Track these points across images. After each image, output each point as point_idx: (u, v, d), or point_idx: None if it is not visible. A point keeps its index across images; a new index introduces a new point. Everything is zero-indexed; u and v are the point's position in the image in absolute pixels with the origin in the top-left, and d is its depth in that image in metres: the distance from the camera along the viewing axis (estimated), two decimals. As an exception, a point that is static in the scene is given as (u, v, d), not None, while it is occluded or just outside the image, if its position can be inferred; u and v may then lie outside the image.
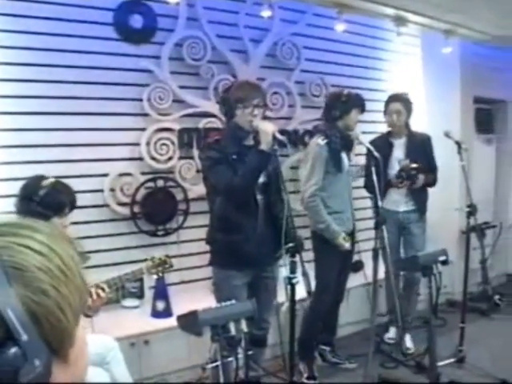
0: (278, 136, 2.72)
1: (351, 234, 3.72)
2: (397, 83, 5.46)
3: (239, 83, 3.05)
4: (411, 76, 5.67)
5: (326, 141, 3.58)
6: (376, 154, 3.30)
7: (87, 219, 3.67)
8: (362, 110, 3.69)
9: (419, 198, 4.27)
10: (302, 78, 4.75)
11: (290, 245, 2.60)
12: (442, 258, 3.48)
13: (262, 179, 2.90)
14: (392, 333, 4.41)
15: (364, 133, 3.76)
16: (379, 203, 3.29)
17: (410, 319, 4.31)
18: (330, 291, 3.58)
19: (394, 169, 4.16)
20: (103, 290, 2.51)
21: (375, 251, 3.30)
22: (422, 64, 5.72)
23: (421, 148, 4.24)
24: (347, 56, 5.06)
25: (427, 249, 4.06)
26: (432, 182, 4.28)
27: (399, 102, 4.17)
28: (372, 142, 3.66)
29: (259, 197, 2.92)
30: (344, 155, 3.69)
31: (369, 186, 3.97)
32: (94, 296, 2.47)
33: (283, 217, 2.64)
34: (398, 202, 4.26)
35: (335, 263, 3.62)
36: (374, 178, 3.22)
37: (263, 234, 2.92)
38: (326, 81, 4.83)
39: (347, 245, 3.56)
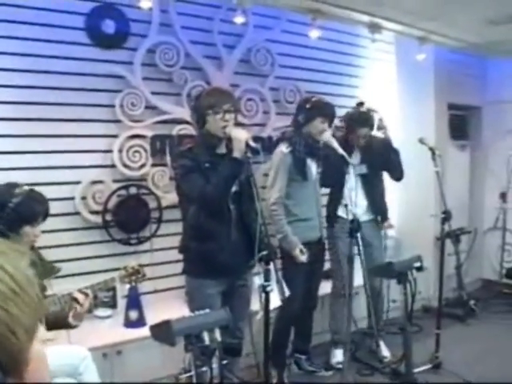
0: (251, 143, 2.74)
1: (319, 242, 3.78)
2: (371, 90, 5.54)
3: (209, 90, 3.07)
4: (385, 82, 5.76)
5: (289, 149, 3.62)
6: (349, 159, 3.36)
7: (58, 227, 3.66)
8: (330, 119, 3.68)
9: (379, 206, 4.22)
10: (276, 84, 4.80)
11: (264, 253, 2.62)
12: (417, 265, 3.54)
13: (234, 188, 2.92)
14: (339, 355, 4.06)
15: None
16: (351, 208, 3.34)
17: (381, 326, 4.31)
18: (297, 298, 3.58)
19: (351, 178, 3.96)
20: (86, 295, 2.52)
21: (350, 258, 3.34)
22: (397, 70, 5.82)
23: (378, 150, 4.10)
24: (322, 62, 5.13)
25: (402, 255, 4.12)
26: (399, 174, 4.20)
27: (368, 128, 4.03)
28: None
29: (232, 205, 2.95)
30: (311, 163, 3.72)
31: (330, 185, 4.03)
32: (82, 302, 2.47)
33: (256, 225, 2.67)
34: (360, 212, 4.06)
35: (301, 270, 3.63)
36: (347, 185, 3.28)
37: (236, 243, 2.95)
38: (301, 87, 4.89)
39: (303, 258, 3.57)
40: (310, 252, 3.64)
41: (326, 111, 3.67)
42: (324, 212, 4.04)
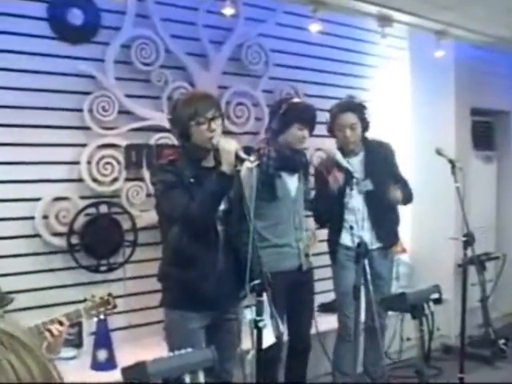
0: (242, 155, 2.78)
1: (299, 271, 3.72)
2: (381, 92, 5.60)
3: (185, 98, 3.07)
4: (398, 84, 5.83)
5: (256, 162, 3.61)
6: (356, 175, 3.40)
7: (13, 252, 3.67)
8: (309, 125, 3.68)
9: (388, 231, 4.14)
10: (270, 86, 4.86)
11: (256, 282, 2.64)
12: (434, 296, 3.55)
13: (222, 206, 2.96)
14: None
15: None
16: (357, 232, 3.36)
17: (381, 373, 4.19)
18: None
19: (353, 196, 3.90)
20: (61, 323, 2.54)
21: (356, 288, 3.37)
22: (411, 70, 5.89)
23: (383, 162, 4.09)
24: (323, 61, 5.19)
25: (417, 285, 4.13)
26: (408, 197, 4.17)
27: (352, 113, 3.97)
28: (320, 165, 3.77)
29: (220, 227, 2.98)
30: (288, 177, 3.71)
31: (322, 211, 3.98)
32: (55, 332, 2.49)
33: (248, 249, 2.70)
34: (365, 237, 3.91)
35: (279, 305, 3.50)
36: (349, 205, 3.30)
37: (224, 270, 2.97)
38: (299, 90, 4.93)
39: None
40: (288, 283, 3.61)
41: (303, 116, 3.67)
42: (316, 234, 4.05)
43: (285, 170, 3.69)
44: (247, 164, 3.57)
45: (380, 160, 4.07)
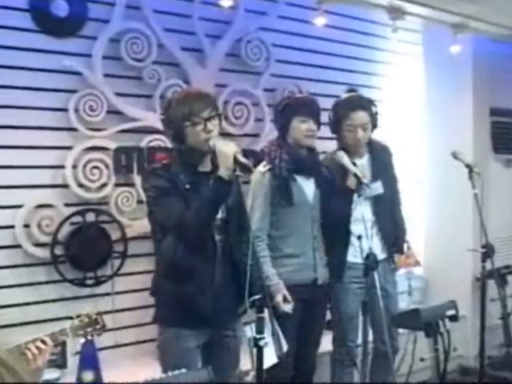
0: (241, 158, 2.77)
1: (315, 285, 3.71)
2: (392, 91, 5.62)
3: (179, 97, 3.07)
4: (410, 82, 5.86)
5: (268, 166, 3.66)
6: (365, 180, 3.41)
7: (-7, 264, 3.70)
8: (312, 114, 3.67)
9: (395, 239, 4.08)
10: (272, 84, 4.88)
11: (257, 297, 2.65)
12: (450, 313, 3.57)
13: (220, 214, 2.96)
14: None
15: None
16: (367, 243, 3.36)
17: None
18: (286, 359, 3.52)
19: (361, 203, 3.75)
20: (44, 342, 2.55)
21: (365, 304, 3.38)
22: (424, 67, 5.92)
23: (388, 165, 4.09)
24: (329, 57, 5.22)
25: (432, 301, 4.13)
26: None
27: (364, 111, 3.90)
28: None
29: (217, 237, 2.99)
30: (304, 181, 3.73)
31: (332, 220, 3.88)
32: (36, 352, 2.51)
33: (248, 261, 2.71)
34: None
35: (290, 321, 3.57)
36: (354, 213, 3.30)
37: (223, 283, 2.98)
38: (303, 88, 4.91)
39: (286, 308, 3.52)
40: (301, 298, 3.62)
41: (302, 106, 3.68)
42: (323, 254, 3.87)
43: (299, 172, 3.71)
44: (259, 168, 3.63)
45: (385, 162, 4.08)
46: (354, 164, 3.73)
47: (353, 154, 3.90)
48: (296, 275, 3.66)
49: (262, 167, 3.67)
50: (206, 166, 3.01)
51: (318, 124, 3.73)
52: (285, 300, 3.56)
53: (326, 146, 4.06)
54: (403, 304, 4.36)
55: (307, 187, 3.75)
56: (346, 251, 3.87)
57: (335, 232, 3.86)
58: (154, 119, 4.18)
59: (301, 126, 3.66)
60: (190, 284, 2.92)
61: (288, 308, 3.55)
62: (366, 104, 3.92)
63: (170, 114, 2.97)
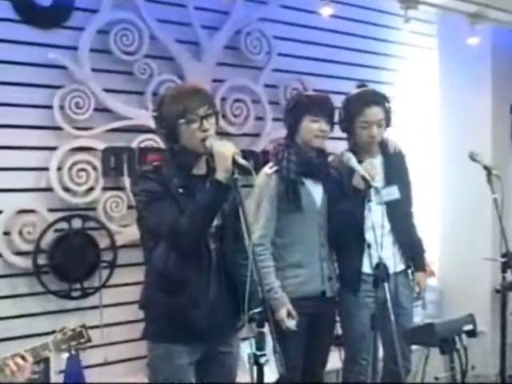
0: (240, 160, 2.76)
1: (323, 298, 3.70)
2: (404, 87, 5.61)
3: (173, 92, 3.05)
4: (424, 77, 5.87)
5: (274, 168, 3.65)
6: (375, 184, 3.39)
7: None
8: (325, 114, 3.64)
9: (411, 249, 4.04)
10: (274, 79, 4.88)
11: (256, 310, 2.64)
12: (467, 328, 3.56)
13: (216, 221, 2.94)
14: None
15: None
16: (378, 251, 3.34)
17: None
18: (294, 375, 3.51)
19: (371, 209, 3.57)
20: (24, 358, 2.54)
21: (374, 318, 3.36)
22: (440, 60, 5.93)
23: (403, 168, 4.07)
24: (336, 50, 5.22)
25: (447, 314, 4.12)
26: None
27: (379, 107, 3.87)
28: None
29: (212, 245, 2.97)
30: (312, 185, 3.71)
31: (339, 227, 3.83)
32: (15, 368, 2.50)
33: (246, 271, 2.69)
34: (385, 258, 3.58)
35: (295, 337, 3.56)
36: (367, 220, 3.28)
37: (218, 295, 2.96)
38: (307, 84, 4.94)
39: (290, 324, 3.50)
40: (307, 312, 3.60)
41: (314, 105, 3.66)
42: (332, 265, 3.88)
43: (308, 176, 3.70)
44: (265, 170, 3.62)
45: (399, 165, 4.05)
46: (361, 162, 3.69)
47: (364, 155, 3.88)
48: (302, 287, 3.65)
49: (269, 169, 3.67)
50: (200, 169, 3.00)
51: (331, 124, 3.71)
52: (289, 315, 3.55)
53: (334, 146, 4.04)
54: (416, 318, 4.34)
55: (315, 192, 3.74)
56: (361, 261, 3.80)
57: (348, 240, 3.83)
58: (145, 117, 4.18)
59: (312, 126, 3.64)
60: (183, 296, 2.90)
61: (292, 324, 3.53)
62: (381, 99, 3.90)
63: (162, 111, 2.95)
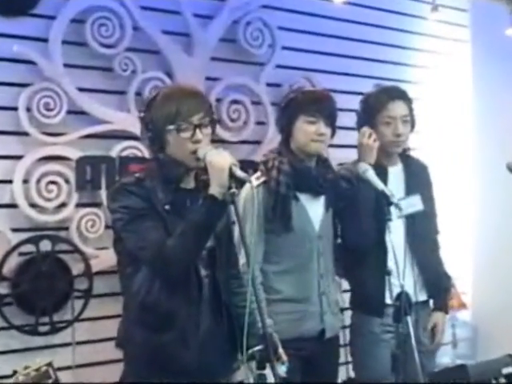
0: (238, 172, 2.74)
1: (320, 338, 3.64)
2: (431, 86, 5.62)
3: (167, 91, 3.04)
4: (455, 74, 5.89)
5: (261, 179, 3.57)
6: (395, 200, 3.38)
7: None
8: (323, 114, 3.56)
9: (434, 276, 4.00)
10: (277, 77, 4.90)
11: (256, 348, 2.63)
12: (506, 370, 3.54)
13: (209, 243, 2.90)
14: None
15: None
16: (400, 279, 3.33)
17: None
18: None
19: (394, 229, 3.59)
20: None
21: (395, 357, 3.34)
22: (472, 54, 5.96)
23: (423, 182, 4.06)
24: (350, 43, 5.24)
25: (482, 355, 4.11)
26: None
27: (404, 103, 3.91)
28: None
29: (204, 271, 2.94)
30: (308, 201, 3.64)
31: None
32: None
33: (242, 300, 2.68)
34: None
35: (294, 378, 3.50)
36: (389, 239, 3.28)
37: (211, 331, 2.92)
38: (316, 82, 4.94)
39: (280, 370, 3.42)
40: (302, 355, 3.54)
41: (310, 102, 3.58)
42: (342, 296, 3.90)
43: (303, 189, 3.62)
44: (253, 181, 3.54)
45: (422, 178, 4.06)
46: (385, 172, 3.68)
47: (384, 161, 3.89)
48: (295, 326, 3.58)
49: (255, 179, 3.52)
50: (190, 182, 2.99)
51: (332, 127, 3.62)
52: (278, 359, 3.47)
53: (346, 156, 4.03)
54: (446, 359, 4.33)
55: (313, 209, 3.66)
56: (384, 290, 3.72)
57: (366, 265, 3.83)
58: (127, 121, 4.20)
59: (307, 129, 3.55)
60: (169, 333, 2.87)
61: (282, 370, 3.46)
62: (405, 95, 3.92)
63: (151, 112, 2.93)
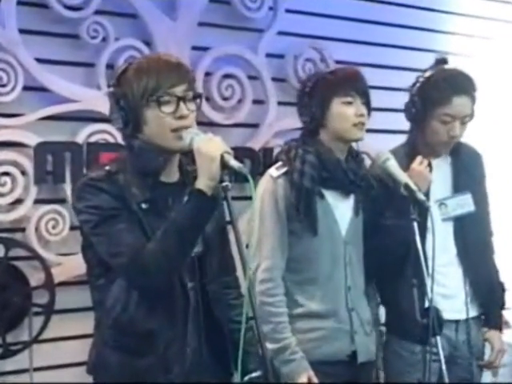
0: (232, 162, 2.75)
1: (352, 362, 3.66)
2: (471, 70, 5.65)
3: (141, 61, 3.00)
4: (498, 59, 5.95)
5: (282, 170, 3.60)
6: (428, 204, 3.38)
7: None
8: (360, 93, 3.61)
9: (489, 288, 4.05)
10: (279, 46, 4.93)
11: (255, 374, 2.67)
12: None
13: (196, 248, 2.92)
14: None
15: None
16: (429, 293, 3.36)
17: None
18: None
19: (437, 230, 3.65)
20: None
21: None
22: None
23: (477, 178, 4.13)
24: (369, 4, 5.28)
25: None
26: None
27: (470, 99, 3.91)
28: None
29: (190, 283, 2.96)
30: (338, 199, 3.69)
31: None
32: None
33: (239, 315, 2.72)
34: (451, 298, 3.91)
35: None
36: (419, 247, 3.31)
37: (199, 353, 2.96)
38: (326, 52, 4.99)
39: None
40: (331, 381, 3.58)
41: (343, 80, 3.62)
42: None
43: (331, 186, 3.65)
44: (271, 172, 3.56)
45: (475, 173, 4.10)
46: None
47: (428, 154, 3.92)
48: (323, 347, 3.61)
49: (275, 170, 3.60)
50: (171, 174, 3.00)
51: (368, 106, 3.66)
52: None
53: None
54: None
55: (340, 210, 3.69)
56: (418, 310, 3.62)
57: (401, 277, 3.82)
58: (97, 100, 4.21)
59: (345, 111, 3.58)
60: (150, 356, 2.89)
61: None
62: (472, 87, 3.93)
63: (123, 86, 2.90)
